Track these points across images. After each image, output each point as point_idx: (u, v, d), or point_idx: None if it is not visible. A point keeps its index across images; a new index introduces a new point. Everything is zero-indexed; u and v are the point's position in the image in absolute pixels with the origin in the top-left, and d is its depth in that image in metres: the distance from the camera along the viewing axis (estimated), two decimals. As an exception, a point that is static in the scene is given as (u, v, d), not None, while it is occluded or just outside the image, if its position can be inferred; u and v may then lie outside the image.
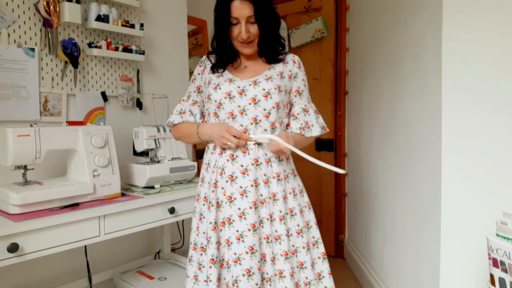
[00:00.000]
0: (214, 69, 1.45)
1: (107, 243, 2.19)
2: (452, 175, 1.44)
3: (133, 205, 1.66)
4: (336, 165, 3.00)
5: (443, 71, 1.44)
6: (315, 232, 1.46)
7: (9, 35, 1.79)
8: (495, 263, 1.18)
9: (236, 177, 1.35)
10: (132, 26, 2.16)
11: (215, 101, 1.38)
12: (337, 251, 3.06)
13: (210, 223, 1.36)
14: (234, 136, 1.31)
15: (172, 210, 1.79)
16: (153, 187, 1.92)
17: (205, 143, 1.49)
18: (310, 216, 1.46)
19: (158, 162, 1.99)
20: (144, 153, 2.02)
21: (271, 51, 1.43)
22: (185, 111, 1.50)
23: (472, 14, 1.39)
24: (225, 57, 1.44)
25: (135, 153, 2.04)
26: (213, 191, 1.39)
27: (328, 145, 3.00)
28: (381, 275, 2.21)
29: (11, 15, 1.79)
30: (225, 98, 1.36)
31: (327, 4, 2.91)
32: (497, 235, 1.20)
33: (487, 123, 1.39)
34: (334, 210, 3.03)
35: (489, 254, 1.20)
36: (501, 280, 1.17)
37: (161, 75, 2.46)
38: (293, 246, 1.36)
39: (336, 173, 3.00)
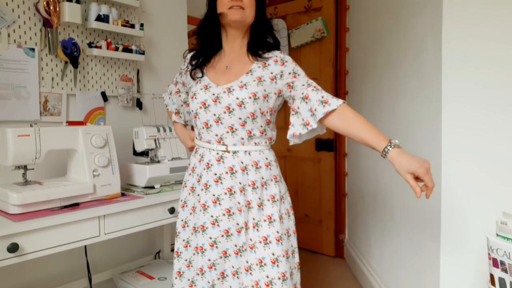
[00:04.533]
0: (193, 72, 1.42)
1: (107, 243, 2.20)
2: (452, 175, 1.44)
3: (133, 205, 1.66)
4: (336, 165, 3.00)
5: (443, 71, 1.44)
6: (293, 241, 1.38)
7: (9, 35, 1.79)
8: (495, 263, 1.18)
9: (209, 186, 1.33)
10: (132, 26, 2.16)
11: (192, 111, 1.37)
12: (337, 251, 3.06)
13: (182, 220, 1.42)
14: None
15: (172, 210, 1.79)
16: (153, 187, 1.92)
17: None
18: (290, 224, 1.38)
19: (158, 162, 1.99)
20: (144, 153, 2.02)
21: (260, 36, 1.37)
22: (171, 92, 1.66)
23: (472, 15, 1.39)
24: (209, 42, 1.40)
25: (135, 153, 2.04)
26: (189, 193, 1.41)
27: (328, 145, 3.00)
28: (381, 275, 2.21)
29: (11, 15, 1.79)
30: (200, 108, 1.33)
31: (327, 4, 2.91)
32: (497, 235, 1.20)
33: (487, 123, 1.39)
34: (334, 210, 3.03)
35: (489, 254, 1.20)
36: (501, 280, 1.17)
37: (161, 75, 2.46)
38: (273, 254, 1.28)
39: (336, 173, 3.00)
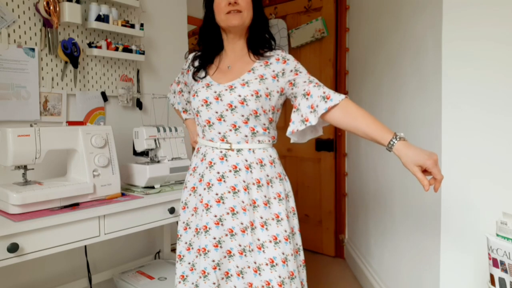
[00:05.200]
0: (196, 74, 1.41)
1: (107, 243, 2.20)
2: (452, 175, 1.44)
3: (133, 205, 1.66)
4: (336, 166, 3.00)
5: (443, 71, 1.44)
6: (298, 239, 1.39)
7: (9, 35, 1.79)
8: (495, 263, 1.18)
9: (212, 185, 1.32)
10: (132, 26, 2.16)
11: (194, 108, 1.36)
12: (337, 251, 3.06)
13: (183, 222, 1.41)
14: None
15: (172, 210, 1.79)
16: (153, 187, 1.92)
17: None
18: (294, 222, 1.39)
19: (158, 162, 1.99)
20: (144, 153, 2.02)
21: (259, 35, 1.37)
22: (175, 91, 1.67)
23: (472, 15, 1.39)
24: (211, 45, 1.40)
25: (135, 153, 2.04)
26: (190, 194, 1.40)
27: (328, 145, 3.00)
28: (381, 275, 2.21)
29: (11, 15, 1.79)
30: (202, 105, 1.33)
31: (327, 4, 2.91)
32: (497, 235, 1.20)
33: (487, 123, 1.39)
34: (334, 210, 3.03)
35: (489, 254, 1.20)
36: (501, 280, 1.17)
37: (161, 75, 2.46)
38: (283, 253, 1.27)
39: (336, 173, 3.00)
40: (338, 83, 2.95)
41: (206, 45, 1.42)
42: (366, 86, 2.47)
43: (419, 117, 1.66)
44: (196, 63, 1.43)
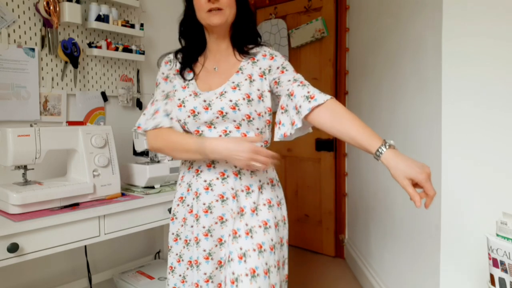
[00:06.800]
0: (183, 72, 1.29)
1: (107, 243, 2.20)
2: (452, 174, 1.44)
3: (133, 205, 1.66)
4: (336, 165, 3.00)
5: (443, 71, 1.44)
6: (286, 251, 1.29)
7: (9, 35, 1.79)
8: (495, 263, 1.18)
9: (200, 194, 1.24)
10: (132, 26, 2.16)
11: (180, 120, 1.25)
12: (337, 251, 3.06)
13: (173, 233, 1.34)
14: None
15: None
16: (153, 187, 1.92)
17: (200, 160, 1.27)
18: (284, 232, 1.29)
19: (158, 162, 1.99)
20: (144, 153, 2.02)
21: (244, 32, 1.27)
22: (158, 110, 1.27)
23: (472, 12, 1.39)
24: (193, 43, 1.30)
25: (135, 153, 2.04)
26: (178, 204, 1.33)
27: (328, 145, 3.00)
28: (381, 275, 2.21)
29: (11, 15, 1.79)
30: (189, 116, 1.22)
31: (327, 4, 2.91)
32: (497, 235, 1.19)
33: (487, 121, 1.39)
34: (334, 210, 3.03)
35: (489, 254, 1.20)
36: (501, 280, 1.17)
37: (161, 75, 2.46)
38: (266, 264, 1.17)
39: (336, 173, 3.00)
40: (338, 83, 2.95)
41: (188, 44, 1.32)
42: (366, 86, 2.46)
43: (419, 116, 1.66)
44: (178, 65, 1.31)
